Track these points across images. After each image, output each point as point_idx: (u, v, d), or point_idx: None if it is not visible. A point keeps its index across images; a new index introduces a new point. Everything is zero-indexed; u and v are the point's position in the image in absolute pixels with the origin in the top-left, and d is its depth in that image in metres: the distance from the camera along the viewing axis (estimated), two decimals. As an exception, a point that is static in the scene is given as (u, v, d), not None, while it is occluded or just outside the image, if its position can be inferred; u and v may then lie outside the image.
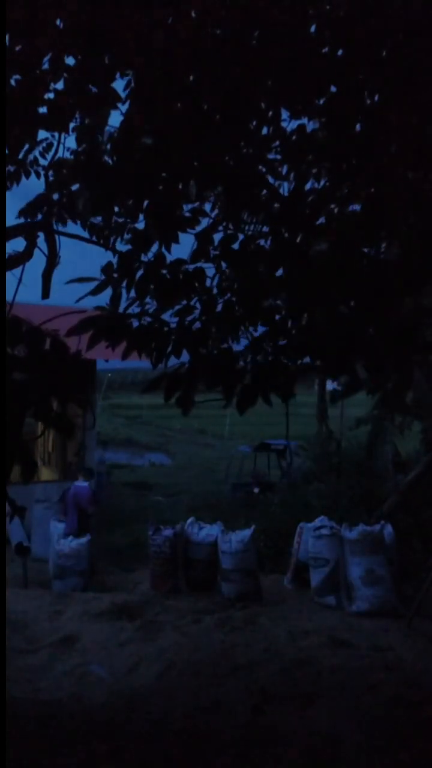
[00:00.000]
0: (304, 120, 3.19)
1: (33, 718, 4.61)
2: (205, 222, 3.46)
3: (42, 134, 3.62)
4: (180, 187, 3.30)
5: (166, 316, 3.40)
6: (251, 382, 3.20)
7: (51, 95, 3.13)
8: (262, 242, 3.52)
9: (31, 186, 3.75)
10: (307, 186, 3.36)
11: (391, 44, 2.79)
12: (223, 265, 3.41)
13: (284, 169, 3.40)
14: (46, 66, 2.99)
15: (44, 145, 3.63)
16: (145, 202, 3.40)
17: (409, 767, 4.04)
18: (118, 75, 3.10)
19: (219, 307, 3.40)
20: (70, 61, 3.03)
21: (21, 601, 7.43)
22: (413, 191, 3.09)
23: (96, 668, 5.63)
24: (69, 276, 3.61)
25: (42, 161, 3.74)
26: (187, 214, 3.38)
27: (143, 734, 4.39)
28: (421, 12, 2.72)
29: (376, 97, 3.09)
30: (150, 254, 3.43)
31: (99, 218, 3.74)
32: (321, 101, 3.08)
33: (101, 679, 5.43)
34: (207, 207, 3.56)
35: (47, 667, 5.68)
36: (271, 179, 3.42)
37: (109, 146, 3.37)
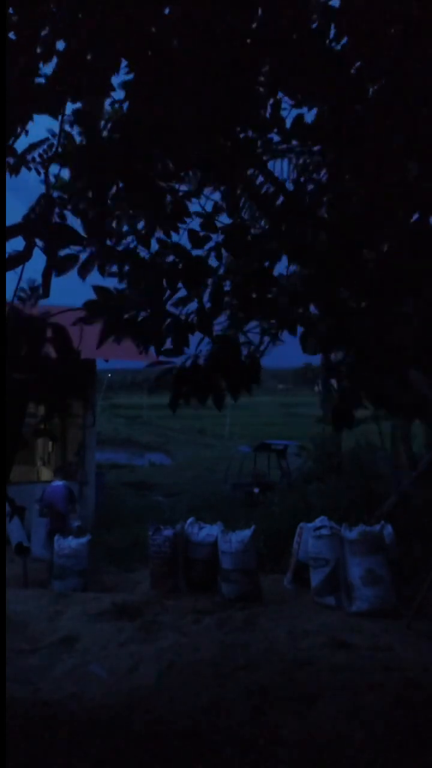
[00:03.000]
0: (304, 110, 3.19)
1: (33, 718, 4.61)
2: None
3: (43, 134, 3.62)
4: (181, 174, 3.31)
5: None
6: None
7: (42, 80, 3.12)
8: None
9: (32, 186, 3.75)
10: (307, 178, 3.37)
11: (392, 35, 2.79)
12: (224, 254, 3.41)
13: (284, 163, 3.41)
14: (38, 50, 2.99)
15: (45, 145, 3.62)
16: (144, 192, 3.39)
17: (409, 767, 4.04)
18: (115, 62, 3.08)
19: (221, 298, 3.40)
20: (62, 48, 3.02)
21: (21, 601, 7.44)
22: (414, 184, 3.08)
23: (96, 668, 5.63)
24: (69, 275, 3.61)
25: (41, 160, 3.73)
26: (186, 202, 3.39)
27: (143, 734, 4.39)
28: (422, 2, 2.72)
29: (379, 86, 3.08)
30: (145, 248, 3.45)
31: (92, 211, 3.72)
32: (322, 90, 3.07)
33: (101, 679, 5.43)
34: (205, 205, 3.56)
35: (47, 667, 5.68)
36: (271, 165, 3.43)
37: (107, 127, 3.35)
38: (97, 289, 3.38)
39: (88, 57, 2.97)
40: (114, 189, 3.52)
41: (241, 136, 3.29)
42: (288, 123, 3.24)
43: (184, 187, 3.55)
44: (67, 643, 6.20)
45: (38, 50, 2.97)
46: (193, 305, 3.39)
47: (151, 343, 3.41)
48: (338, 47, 2.96)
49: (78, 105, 3.35)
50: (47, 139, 3.76)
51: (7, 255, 3.39)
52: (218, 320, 3.46)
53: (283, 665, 5.55)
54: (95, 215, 3.60)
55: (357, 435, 12.82)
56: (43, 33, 2.94)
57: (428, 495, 8.74)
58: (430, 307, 3.15)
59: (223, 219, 3.57)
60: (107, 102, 3.41)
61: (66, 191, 3.57)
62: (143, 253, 3.55)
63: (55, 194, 3.58)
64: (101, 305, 3.31)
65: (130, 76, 3.11)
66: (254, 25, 2.85)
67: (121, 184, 3.46)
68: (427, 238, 3.08)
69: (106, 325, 3.32)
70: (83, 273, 3.51)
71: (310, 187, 3.34)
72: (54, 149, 3.58)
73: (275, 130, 3.27)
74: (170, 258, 3.42)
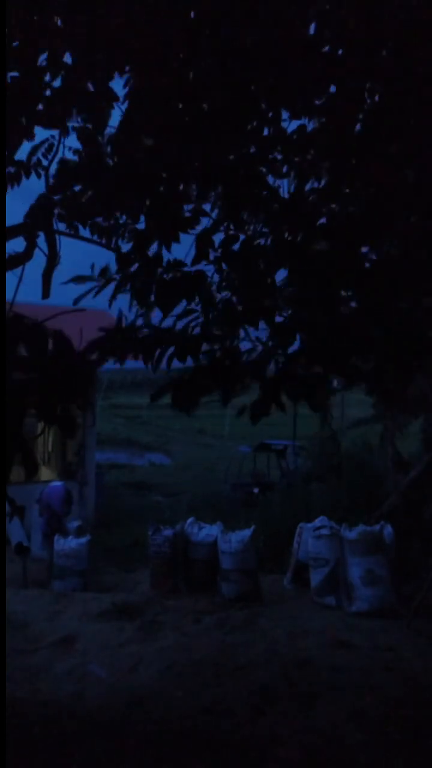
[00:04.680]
0: (305, 120, 3.19)
1: (33, 718, 4.61)
2: (205, 222, 3.47)
3: (43, 135, 3.62)
4: (181, 187, 3.31)
5: (169, 321, 3.42)
6: (263, 393, 3.21)
7: (48, 92, 3.13)
8: (262, 241, 3.52)
9: (32, 186, 3.75)
10: (308, 186, 3.37)
11: (390, 44, 2.79)
12: (224, 266, 3.41)
13: (285, 169, 3.40)
14: (43, 63, 2.99)
15: (46, 146, 3.62)
16: (146, 203, 3.40)
17: (409, 767, 4.04)
18: (117, 74, 3.09)
19: (219, 306, 3.41)
20: (68, 59, 3.03)
21: (21, 601, 7.44)
22: (413, 191, 3.09)
23: (95, 668, 5.63)
24: (69, 276, 3.61)
25: (44, 162, 3.73)
26: (188, 214, 3.38)
27: (143, 734, 4.39)
28: (420, 11, 2.72)
29: (376, 97, 3.09)
30: (150, 253, 3.45)
31: (100, 219, 3.73)
32: (321, 101, 3.08)
33: (101, 679, 5.43)
34: (207, 208, 3.56)
35: (47, 667, 5.68)
36: (270, 179, 3.43)
37: (109, 148, 3.37)
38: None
39: (92, 66, 2.98)
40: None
41: (243, 152, 3.30)
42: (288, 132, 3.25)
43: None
44: (67, 643, 6.20)
45: (42, 63, 2.98)
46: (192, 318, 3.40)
47: (149, 361, 3.42)
48: (336, 56, 2.97)
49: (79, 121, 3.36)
50: (48, 139, 3.76)
51: (7, 255, 3.40)
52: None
53: (283, 665, 5.55)
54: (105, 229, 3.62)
55: (357, 435, 12.85)
56: (47, 47, 2.95)
57: (428, 495, 8.73)
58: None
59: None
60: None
61: (70, 207, 3.58)
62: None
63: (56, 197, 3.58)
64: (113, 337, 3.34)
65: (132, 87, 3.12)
66: (254, 35, 2.85)
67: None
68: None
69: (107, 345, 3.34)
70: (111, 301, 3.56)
71: (312, 197, 3.34)
72: (54, 150, 3.57)
73: (279, 147, 3.29)
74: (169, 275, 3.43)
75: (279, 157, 3.33)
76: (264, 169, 3.35)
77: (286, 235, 3.33)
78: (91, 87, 3.09)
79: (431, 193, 3.10)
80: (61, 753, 4.16)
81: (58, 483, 9.50)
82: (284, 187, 3.50)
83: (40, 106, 3.15)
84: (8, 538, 8.76)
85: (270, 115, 3.19)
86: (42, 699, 5.04)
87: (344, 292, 3.28)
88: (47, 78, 3.06)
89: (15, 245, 3.45)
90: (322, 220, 3.31)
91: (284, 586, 8.16)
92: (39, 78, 3.02)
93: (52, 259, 3.54)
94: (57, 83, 3.11)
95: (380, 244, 3.29)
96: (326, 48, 2.93)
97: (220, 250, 3.38)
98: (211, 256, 3.40)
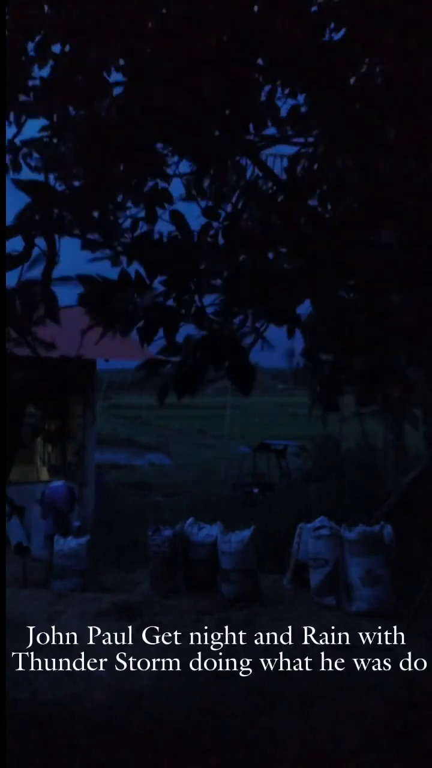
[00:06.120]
0: (299, 100, 3.18)
1: (33, 718, 4.60)
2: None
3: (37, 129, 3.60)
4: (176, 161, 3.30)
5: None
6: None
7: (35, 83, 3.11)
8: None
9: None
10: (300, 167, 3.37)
11: (392, 31, 2.78)
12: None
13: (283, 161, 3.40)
14: (31, 53, 2.97)
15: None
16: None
17: (409, 767, 4.04)
18: (112, 67, 3.07)
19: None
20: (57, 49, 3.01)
21: (21, 601, 7.43)
22: (411, 178, 3.07)
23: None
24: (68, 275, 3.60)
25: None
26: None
27: (143, 734, 4.39)
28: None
29: (377, 78, 3.07)
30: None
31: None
32: (319, 81, 3.06)
33: (101, 679, 5.43)
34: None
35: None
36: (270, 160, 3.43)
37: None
38: (82, 278, 3.36)
39: (86, 56, 2.95)
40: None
41: (233, 123, 3.26)
42: (284, 113, 3.23)
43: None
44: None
45: (32, 54, 2.96)
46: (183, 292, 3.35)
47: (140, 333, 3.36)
48: (336, 38, 2.96)
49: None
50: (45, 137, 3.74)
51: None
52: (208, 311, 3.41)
53: (283, 665, 5.54)
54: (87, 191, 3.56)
55: (357, 435, 12.83)
56: (37, 37, 2.93)
57: (428, 495, 8.73)
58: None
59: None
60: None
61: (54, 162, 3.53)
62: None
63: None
64: (90, 295, 3.28)
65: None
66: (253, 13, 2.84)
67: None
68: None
69: (101, 319, 3.29)
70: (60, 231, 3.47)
71: (302, 170, 3.32)
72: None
73: (269, 120, 3.27)
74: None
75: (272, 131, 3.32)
76: (256, 142, 3.34)
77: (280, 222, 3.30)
78: (81, 78, 3.06)
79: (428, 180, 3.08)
80: (61, 753, 4.16)
81: (58, 482, 9.50)
82: (281, 168, 3.49)
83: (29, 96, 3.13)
84: (8, 538, 8.76)
85: (266, 89, 3.17)
86: (42, 699, 5.04)
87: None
88: (34, 67, 3.04)
89: (16, 244, 3.45)
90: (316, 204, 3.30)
91: (284, 586, 8.16)
92: (25, 68, 3.00)
93: (51, 259, 3.54)
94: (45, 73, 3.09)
95: (377, 233, 3.26)
96: (327, 29, 2.92)
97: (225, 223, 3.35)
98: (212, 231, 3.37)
